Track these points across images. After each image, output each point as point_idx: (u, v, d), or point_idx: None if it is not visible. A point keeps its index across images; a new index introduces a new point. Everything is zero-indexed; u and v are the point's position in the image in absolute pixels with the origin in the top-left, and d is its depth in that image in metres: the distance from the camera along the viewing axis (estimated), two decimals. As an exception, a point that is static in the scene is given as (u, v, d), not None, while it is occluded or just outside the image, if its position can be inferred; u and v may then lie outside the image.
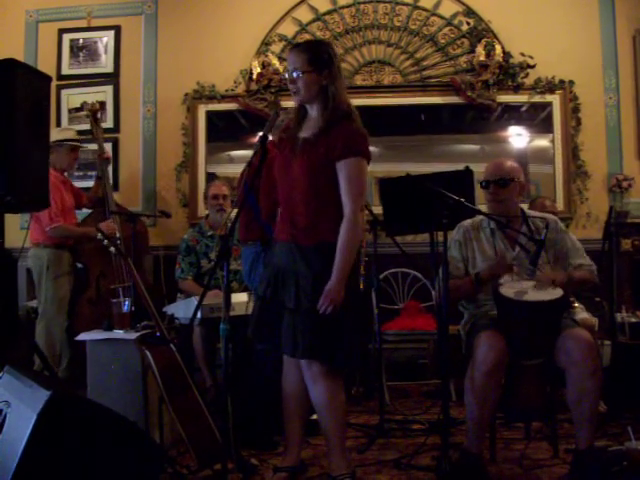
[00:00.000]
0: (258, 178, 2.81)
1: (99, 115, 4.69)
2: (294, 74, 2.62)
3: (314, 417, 3.06)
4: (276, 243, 2.79)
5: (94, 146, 4.75)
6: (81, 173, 5.29)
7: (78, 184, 4.86)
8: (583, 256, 3.02)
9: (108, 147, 4.99)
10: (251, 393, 3.35)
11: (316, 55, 2.63)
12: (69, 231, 4.33)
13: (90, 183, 4.97)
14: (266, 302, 2.73)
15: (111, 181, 4.75)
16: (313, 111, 2.70)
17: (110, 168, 4.84)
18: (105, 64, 5.35)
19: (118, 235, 4.28)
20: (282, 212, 2.76)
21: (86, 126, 5.17)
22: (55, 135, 4.32)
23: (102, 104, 4.95)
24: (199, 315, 3.62)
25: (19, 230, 4.80)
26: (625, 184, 4.92)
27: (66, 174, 4.62)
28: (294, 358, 2.67)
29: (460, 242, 3.07)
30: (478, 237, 3.06)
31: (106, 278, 4.37)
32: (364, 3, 5.20)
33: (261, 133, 2.68)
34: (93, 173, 5.22)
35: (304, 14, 5.22)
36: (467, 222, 3.11)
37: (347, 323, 2.62)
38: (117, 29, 5.34)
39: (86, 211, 4.72)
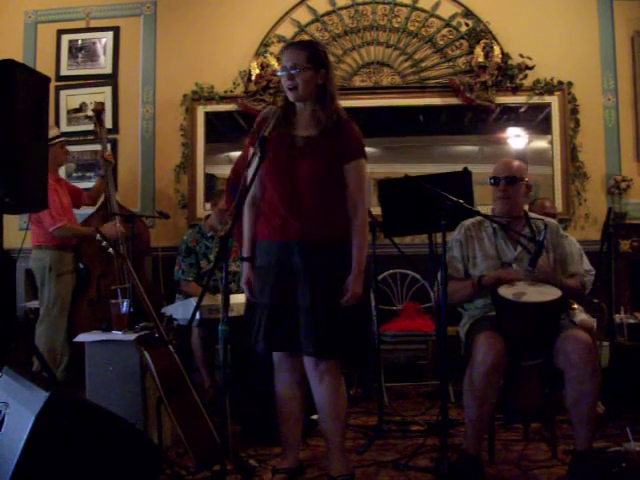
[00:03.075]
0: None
1: (103, 115, 4.68)
2: (293, 70, 2.63)
3: (314, 417, 3.06)
4: (267, 242, 2.73)
5: (93, 147, 4.74)
6: (80, 174, 5.29)
7: (77, 185, 4.85)
8: (579, 263, 3.03)
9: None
10: (252, 388, 3.35)
11: (314, 53, 2.67)
12: (73, 230, 4.32)
13: (89, 184, 4.98)
14: (272, 307, 2.67)
15: (114, 182, 4.72)
16: (306, 109, 2.70)
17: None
18: (104, 65, 5.36)
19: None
20: (279, 211, 2.69)
21: (85, 127, 5.19)
22: None
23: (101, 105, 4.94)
24: (198, 316, 3.61)
25: (18, 231, 4.80)
26: (623, 185, 4.93)
27: (62, 170, 4.60)
28: (313, 357, 2.65)
29: (461, 242, 3.06)
30: (480, 236, 3.06)
31: (107, 279, 4.37)
32: (363, 4, 5.21)
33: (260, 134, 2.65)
34: (92, 174, 5.24)
35: (303, 15, 5.22)
36: (469, 221, 3.10)
37: (359, 320, 2.67)
38: (116, 30, 5.35)
39: (85, 211, 4.71)
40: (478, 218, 3.09)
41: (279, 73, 2.72)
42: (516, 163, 3.09)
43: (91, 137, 4.81)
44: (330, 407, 2.68)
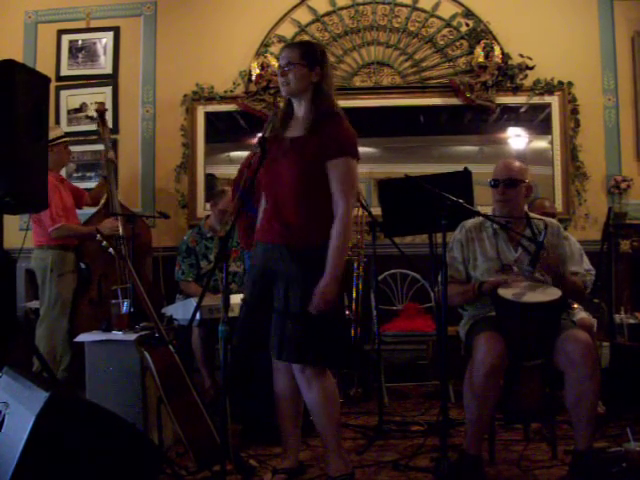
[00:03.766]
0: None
1: (106, 116, 4.67)
2: (286, 68, 2.64)
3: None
4: (259, 244, 2.75)
5: (94, 147, 4.73)
6: (80, 174, 5.29)
7: (77, 185, 4.85)
8: (579, 263, 3.01)
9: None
10: (252, 388, 3.36)
11: (309, 51, 2.68)
12: (72, 230, 4.32)
13: (89, 184, 4.98)
14: (252, 306, 2.71)
15: (115, 182, 4.70)
16: (300, 109, 2.70)
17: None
18: (104, 65, 5.35)
19: (121, 234, 4.28)
20: (267, 213, 2.71)
21: (85, 127, 5.20)
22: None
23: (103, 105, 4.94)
24: (198, 316, 3.62)
25: (18, 231, 4.79)
26: (624, 185, 4.93)
27: (62, 170, 4.60)
28: (281, 361, 2.67)
29: (462, 242, 3.06)
30: (480, 237, 3.05)
31: (108, 279, 4.36)
32: (363, 4, 5.20)
33: (260, 134, 2.66)
34: (92, 174, 5.24)
35: (303, 15, 5.22)
36: (470, 221, 3.10)
37: (336, 323, 2.64)
38: (116, 30, 5.34)
39: (88, 211, 4.70)
40: (479, 219, 3.08)
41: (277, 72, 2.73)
42: (516, 164, 3.06)
43: (92, 137, 4.82)
44: (322, 410, 2.67)
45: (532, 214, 3.16)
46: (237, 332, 2.72)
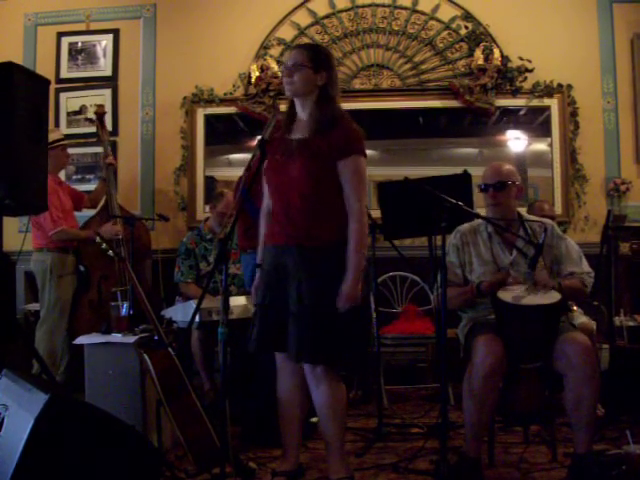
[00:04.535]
0: (257, 183, 2.80)
1: (105, 118, 4.67)
2: (292, 68, 2.66)
3: (313, 420, 3.06)
4: (269, 247, 2.76)
5: (93, 149, 4.72)
6: (79, 176, 5.30)
7: (76, 187, 4.85)
8: (577, 263, 3.00)
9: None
10: (252, 390, 3.36)
11: (317, 55, 2.70)
12: (72, 234, 4.32)
13: (89, 186, 4.98)
14: (265, 309, 2.70)
15: (115, 185, 4.69)
16: (304, 110, 2.71)
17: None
18: (104, 67, 5.36)
19: (121, 236, 4.28)
20: (277, 215, 2.72)
21: (85, 129, 5.20)
22: None
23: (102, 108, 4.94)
24: (197, 318, 3.61)
25: (17, 233, 4.79)
26: (623, 188, 4.93)
27: (62, 172, 4.60)
28: (299, 363, 2.66)
29: (457, 247, 3.07)
30: (475, 241, 3.06)
31: (108, 281, 4.37)
32: (363, 7, 5.21)
33: (260, 137, 2.68)
34: (92, 176, 5.24)
35: (303, 18, 5.23)
36: (464, 226, 3.11)
37: (351, 325, 2.63)
38: (116, 32, 5.35)
39: (86, 213, 4.70)
40: (473, 223, 3.10)
41: (282, 71, 2.75)
42: (505, 167, 3.09)
43: (91, 139, 4.81)
44: (328, 411, 2.67)
45: (528, 215, 3.16)
46: (255, 338, 2.70)
